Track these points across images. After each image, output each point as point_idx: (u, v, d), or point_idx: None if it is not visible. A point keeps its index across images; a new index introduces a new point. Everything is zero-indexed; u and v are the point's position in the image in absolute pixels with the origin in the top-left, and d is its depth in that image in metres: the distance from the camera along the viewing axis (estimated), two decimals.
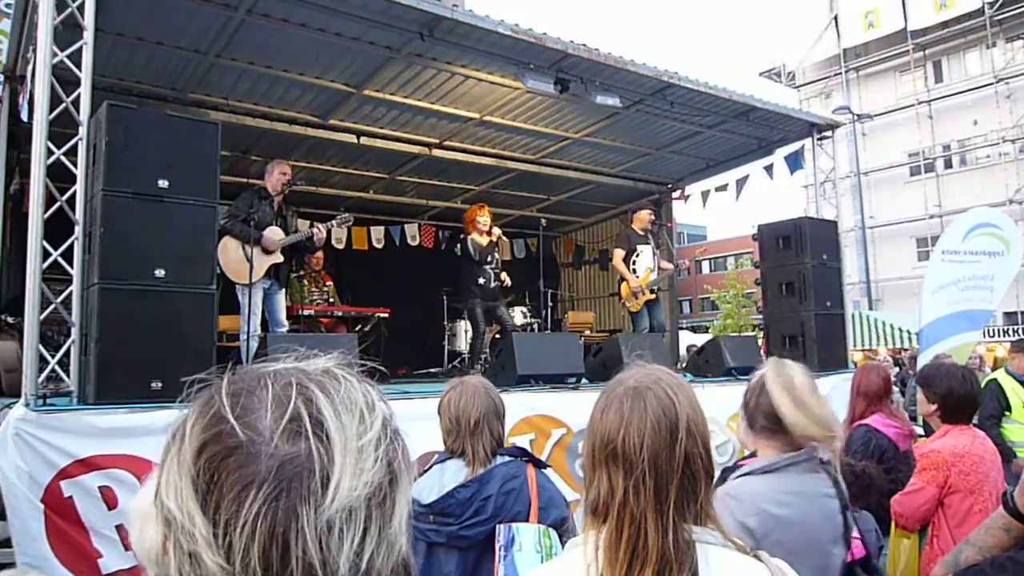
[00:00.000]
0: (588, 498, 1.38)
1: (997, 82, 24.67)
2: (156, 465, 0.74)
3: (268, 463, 0.66)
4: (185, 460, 0.68)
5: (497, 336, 9.11)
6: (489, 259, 8.49)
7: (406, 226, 12.43)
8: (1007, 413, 6.32)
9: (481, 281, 8.36)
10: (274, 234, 6.84)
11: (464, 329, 9.64)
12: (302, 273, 8.81)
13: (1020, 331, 17.86)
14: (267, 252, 6.79)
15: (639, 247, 8.89)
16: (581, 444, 1.92)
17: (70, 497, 3.98)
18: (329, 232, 11.28)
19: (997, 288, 8.79)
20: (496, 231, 8.57)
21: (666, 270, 9.07)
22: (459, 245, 9.01)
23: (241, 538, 0.63)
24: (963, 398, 3.49)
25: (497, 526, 2.49)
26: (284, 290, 7.28)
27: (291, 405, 0.69)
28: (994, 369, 9.40)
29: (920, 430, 5.60)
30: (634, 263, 8.86)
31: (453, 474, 2.69)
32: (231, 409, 0.69)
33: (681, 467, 1.32)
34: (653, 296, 8.88)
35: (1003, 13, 24.28)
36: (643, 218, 9.05)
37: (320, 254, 8.98)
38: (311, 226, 7.18)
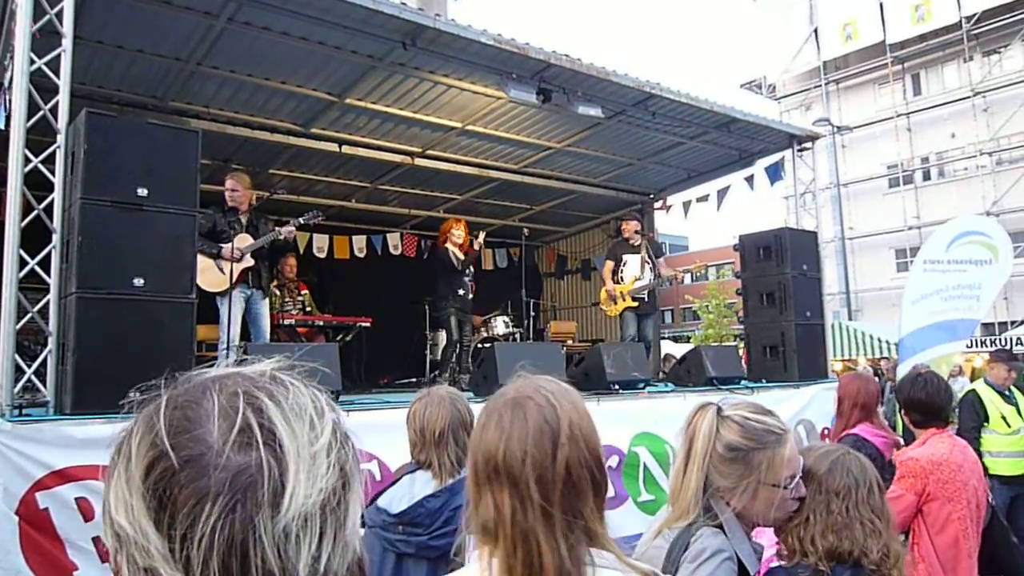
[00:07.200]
0: (477, 521, 1.29)
1: (974, 95, 24.94)
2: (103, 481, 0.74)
3: (220, 475, 0.66)
4: (134, 477, 0.68)
5: (480, 346, 9.11)
6: (466, 270, 8.59)
7: (388, 235, 12.37)
8: (985, 424, 6.34)
9: (461, 292, 8.44)
10: (241, 240, 6.73)
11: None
12: (275, 283, 8.70)
13: (998, 342, 18.04)
14: (236, 260, 6.68)
15: (625, 256, 8.90)
16: None
17: (46, 509, 3.91)
18: (310, 239, 11.35)
19: (984, 297, 8.77)
20: (478, 243, 8.59)
21: (663, 276, 8.85)
22: (428, 253, 9.04)
23: (199, 551, 0.64)
24: (916, 402, 3.56)
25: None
26: (267, 299, 7.17)
27: (239, 416, 0.69)
28: (972, 380, 9.45)
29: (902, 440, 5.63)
30: (621, 272, 8.88)
31: (423, 484, 2.67)
32: (178, 423, 0.69)
33: (563, 476, 1.24)
34: (635, 304, 8.76)
35: (980, 27, 24.60)
36: (629, 228, 9.02)
37: (293, 262, 8.91)
38: (276, 226, 7.00)
